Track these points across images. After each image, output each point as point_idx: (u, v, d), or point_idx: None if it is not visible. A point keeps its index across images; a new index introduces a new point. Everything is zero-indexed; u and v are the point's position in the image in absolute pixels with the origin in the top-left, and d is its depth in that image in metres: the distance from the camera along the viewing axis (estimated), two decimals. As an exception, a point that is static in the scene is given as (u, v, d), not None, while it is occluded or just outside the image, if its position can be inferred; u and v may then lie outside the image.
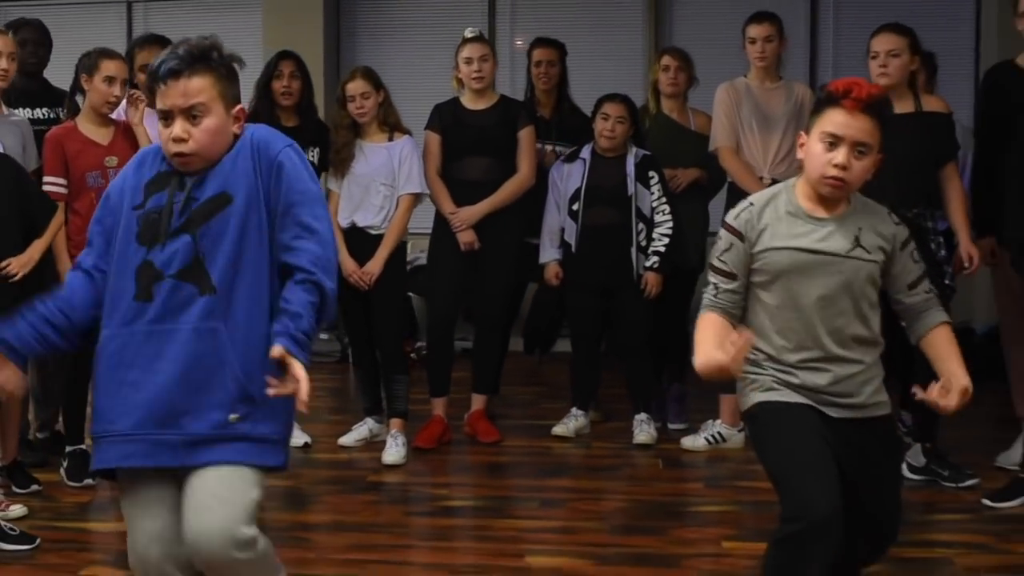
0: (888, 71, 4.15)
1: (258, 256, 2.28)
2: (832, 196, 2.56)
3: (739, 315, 2.63)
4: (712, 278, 2.65)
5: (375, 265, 4.68)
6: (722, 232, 2.65)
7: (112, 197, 2.40)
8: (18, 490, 4.12)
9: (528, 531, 3.77)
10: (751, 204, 2.64)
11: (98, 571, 3.37)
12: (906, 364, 4.24)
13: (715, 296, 2.63)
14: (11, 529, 3.62)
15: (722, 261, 2.62)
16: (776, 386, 2.58)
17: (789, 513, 2.42)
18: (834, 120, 2.50)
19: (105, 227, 2.37)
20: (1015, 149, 3.98)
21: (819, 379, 2.56)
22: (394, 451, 4.68)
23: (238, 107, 2.37)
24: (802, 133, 2.63)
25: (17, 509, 3.86)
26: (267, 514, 4.01)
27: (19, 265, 3.96)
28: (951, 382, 2.49)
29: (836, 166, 2.49)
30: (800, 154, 2.61)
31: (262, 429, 2.27)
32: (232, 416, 2.24)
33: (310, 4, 7.47)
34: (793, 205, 2.60)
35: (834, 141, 2.50)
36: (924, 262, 2.69)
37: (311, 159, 4.81)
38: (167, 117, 2.30)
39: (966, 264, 4.22)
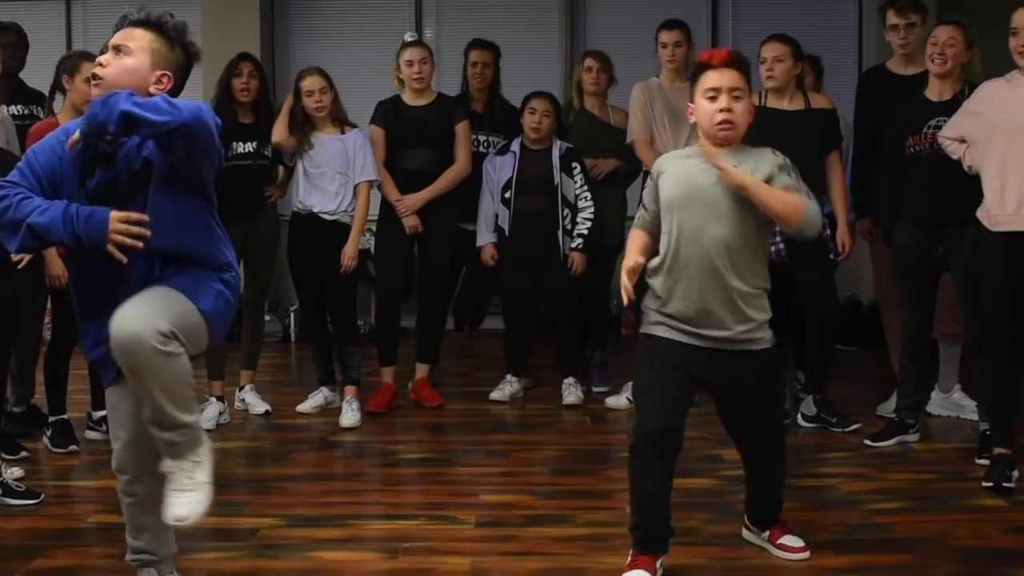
0: (774, 74, 4.78)
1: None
2: (726, 139, 3.09)
3: (656, 234, 3.17)
4: (639, 209, 3.25)
5: (351, 249, 5.19)
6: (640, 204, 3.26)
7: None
8: (8, 456, 4.52)
9: (478, 476, 4.33)
10: (662, 159, 3.25)
11: (105, 518, 3.80)
12: (800, 330, 4.93)
13: (638, 218, 3.23)
14: (17, 486, 4.04)
15: (641, 216, 3.23)
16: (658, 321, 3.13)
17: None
18: (710, 79, 3.08)
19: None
20: (886, 143, 4.64)
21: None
22: (350, 415, 5.19)
23: (163, 73, 2.71)
24: (690, 105, 3.16)
25: (16, 471, 4.28)
26: (245, 469, 4.53)
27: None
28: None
29: (722, 111, 3.06)
30: (692, 119, 3.15)
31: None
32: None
33: (246, 4, 7.89)
34: (691, 152, 3.19)
35: (714, 95, 3.07)
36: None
37: (266, 152, 5.30)
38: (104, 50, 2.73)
39: (839, 249, 4.85)
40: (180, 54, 2.77)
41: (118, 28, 2.74)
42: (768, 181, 3.05)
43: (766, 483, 3.33)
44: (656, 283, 3.12)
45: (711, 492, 4.01)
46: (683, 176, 3.11)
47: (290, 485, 4.23)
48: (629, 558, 3.15)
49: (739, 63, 3.10)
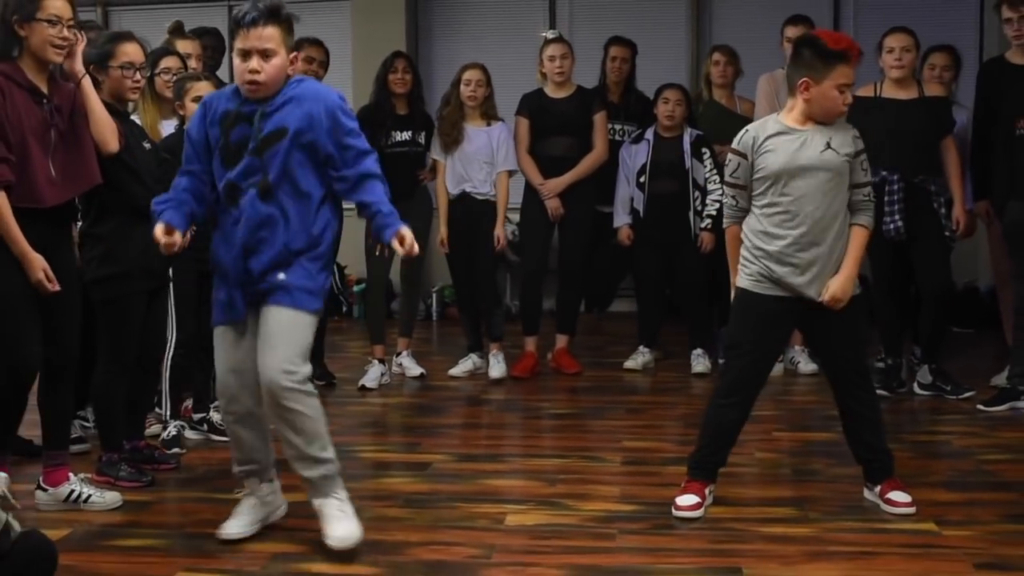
0: (903, 63, 5.16)
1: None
2: (842, 116, 3.48)
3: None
4: (730, 193, 3.60)
5: (500, 229, 5.81)
6: (730, 155, 3.59)
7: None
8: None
9: (619, 427, 4.82)
10: (746, 130, 3.58)
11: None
12: (916, 310, 5.31)
13: (734, 207, 3.59)
14: (220, 424, 4.65)
15: (734, 176, 3.57)
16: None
17: None
18: (845, 73, 3.41)
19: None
20: (1000, 128, 4.99)
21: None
22: (497, 367, 5.86)
23: (293, 55, 3.22)
24: (807, 80, 3.43)
25: (216, 416, 4.89)
26: (411, 419, 5.09)
27: None
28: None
29: (846, 104, 3.43)
30: (805, 95, 3.44)
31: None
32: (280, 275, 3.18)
33: (392, 5, 8.50)
34: (781, 124, 3.52)
35: (843, 89, 3.42)
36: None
37: (420, 140, 5.88)
38: (245, 56, 3.13)
39: (954, 227, 5.20)
40: (293, 29, 3.25)
41: (245, 25, 3.12)
42: (850, 157, 3.47)
43: (858, 416, 3.63)
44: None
45: (831, 443, 4.41)
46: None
47: (452, 431, 4.78)
48: (682, 484, 3.61)
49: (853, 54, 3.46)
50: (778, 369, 5.93)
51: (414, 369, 5.99)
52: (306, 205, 3.21)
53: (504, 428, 4.97)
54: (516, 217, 6.48)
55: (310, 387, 3.19)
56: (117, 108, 3.89)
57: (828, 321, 3.50)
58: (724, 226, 3.69)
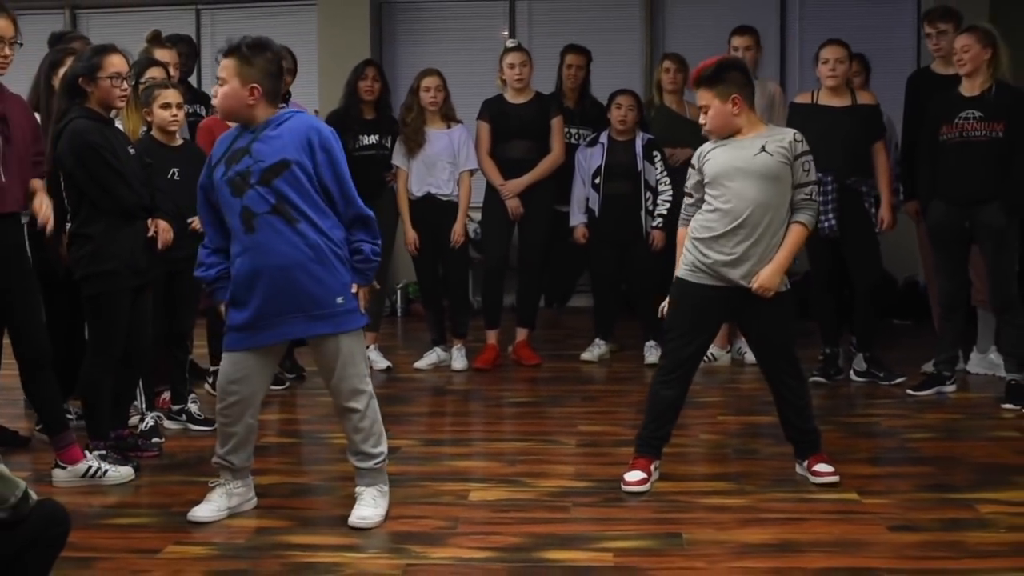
0: (836, 74, 5.54)
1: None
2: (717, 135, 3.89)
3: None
4: (685, 199, 4.01)
5: (460, 228, 6.14)
6: (689, 170, 4.01)
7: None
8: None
9: (575, 414, 5.16)
10: (700, 149, 3.99)
11: (273, 438, 4.70)
12: (850, 300, 5.71)
13: (688, 206, 4.00)
14: (198, 414, 4.95)
15: (691, 186, 3.97)
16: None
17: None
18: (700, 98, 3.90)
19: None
20: (925, 133, 5.37)
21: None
22: (460, 360, 6.23)
23: (252, 86, 3.46)
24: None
25: (193, 407, 5.17)
26: (384, 408, 5.36)
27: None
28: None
29: (703, 124, 3.92)
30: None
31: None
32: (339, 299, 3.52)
33: (358, 12, 8.79)
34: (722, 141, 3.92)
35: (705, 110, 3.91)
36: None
37: (386, 144, 6.20)
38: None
39: (881, 225, 5.59)
40: (262, 63, 3.49)
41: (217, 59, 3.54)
42: (788, 160, 3.83)
43: (785, 401, 4.02)
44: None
45: (772, 426, 4.75)
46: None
47: (419, 419, 5.10)
48: (630, 462, 3.96)
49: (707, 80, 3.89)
50: (725, 359, 6.31)
51: (381, 362, 6.30)
52: (328, 214, 3.53)
53: (468, 416, 5.30)
54: (478, 215, 6.81)
55: (371, 392, 3.62)
56: (103, 116, 4.18)
57: (759, 310, 3.87)
58: (679, 224, 4.05)
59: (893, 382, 5.62)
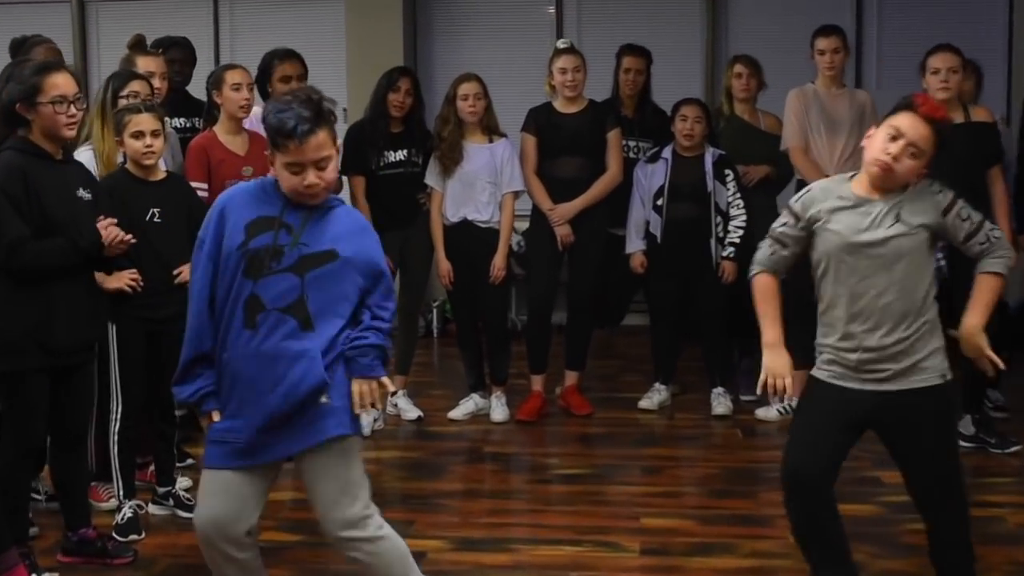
0: (949, 85, 4.65)
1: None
2: (877, 179, 2.98)
3: (783, 275, 3.12)
4: (770, 242, 3.12)
5: (500, 260, 5.31)
6: (785, 210, 3.13)
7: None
8: (177, 463, 4.65)
9: (636, 496, 4.34)
10: (810, 190, 3.12)
11: (273, 536, 3.90)
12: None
13: (769, 255, 3.11)
14: (187, 499, 4.18)
15: (781, 233, 3.09)
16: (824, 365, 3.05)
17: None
18: (903, 120, 2.96)
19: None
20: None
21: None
22: (500, 411, 5.44)
23: (336, 146, 2.85)
24: (873, 126, 3.06)
25: (183, 481, 4.41)
26: (403, 483, 4.60)
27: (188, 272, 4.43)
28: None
29: (888, 154, 2.94)
30: (864, 143, 3.05)
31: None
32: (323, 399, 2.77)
33: (390, 2, 7.92)
34: (847, 193, 3.04)
35: (896, 135, 2.95)
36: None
37: (416, 159, 5.38)
38: (298, 168, 2.74)
39: None
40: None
41: (298, 137, 2.71)
42: (935, 226, 2.98)
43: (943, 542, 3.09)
44: None
45: (873, 520, 3.93)
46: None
47: (450, 503, 4.29)
48: None
49: (939, 127, 2.96)
50: (772, 414, 5.44)
51: (411, 412, 5.49)
52: (342, 314, 2.82)
53: (509, 497, 4.48)
54: (522, 226, 5.96)
55: (383, 527, 2.86)
56: (42, 149, 3.41)
57: (908, 418, 2.99)
58: (752, 273, 3.17)
59: (1007, 451, 4.74)
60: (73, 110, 3.40)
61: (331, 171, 2.80)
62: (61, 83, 3.38)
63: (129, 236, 3.56)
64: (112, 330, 3.93)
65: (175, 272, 3.95)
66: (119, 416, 4.01)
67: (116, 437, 4.02)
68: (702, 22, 7.94)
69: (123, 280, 3.85)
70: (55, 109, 3.36)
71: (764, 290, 3.12)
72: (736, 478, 4.55)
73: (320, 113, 2.75)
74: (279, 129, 2.72)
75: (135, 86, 4.19)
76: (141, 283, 3.86)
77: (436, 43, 8.24)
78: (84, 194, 3.52)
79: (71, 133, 3.50)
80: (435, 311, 7.93)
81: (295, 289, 2.73)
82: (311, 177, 2.74)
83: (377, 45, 7.67)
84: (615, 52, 5.85)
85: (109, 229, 3.49)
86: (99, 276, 3.87)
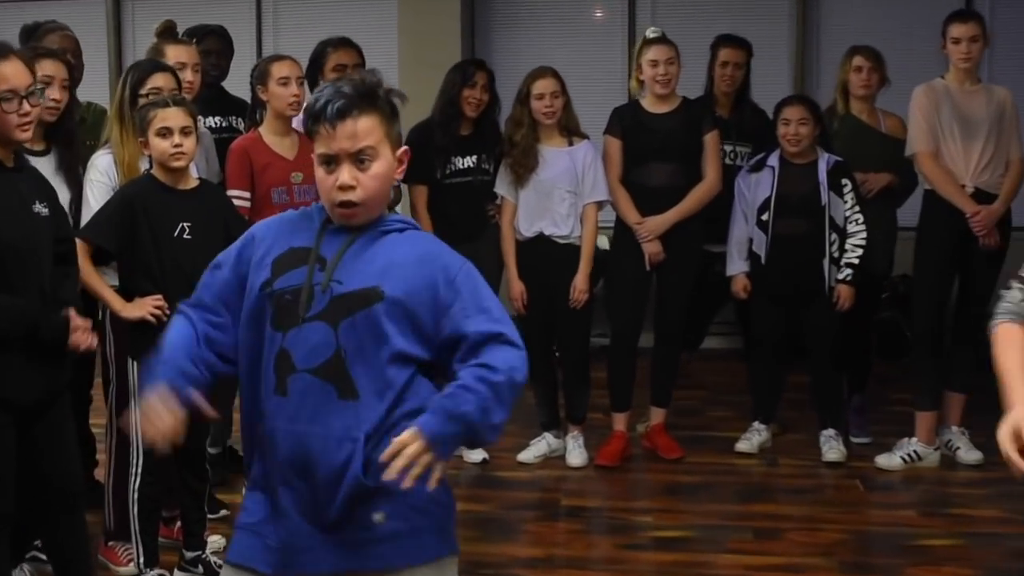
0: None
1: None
2: None
3: None
4: (1018, 286, 2.38)
5: (582, 282, 4.61)
6: None
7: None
8: (209, 515, 3.98)
9: (754, 569, 3.62)
10: None
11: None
12: None
13: (1021, 301, 2.36)
14: (218, 565, 3.49)
15: None
16: None
17: None
18: None
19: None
20: None
21: None
22: (578, 453, 4.74)
23: (402, 149, 2.12)
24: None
25: (216, 540, 3.75)
26: (469, 544, 3.88)
27: None
28: None
29: None
30: None
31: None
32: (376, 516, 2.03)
33: (445, -9, 7.27)
34: None
35: None
36: None
37: (487, 166, 4.70)
38: (330, 162, 2.05)
39: None
40: (397, 115, 2.13)
41: (328, 119, 2.02)
42: None
43: None
44: None
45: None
46: None
47: (524, 573, 3.58)
48: None
49: None
50: (933, 458, 4.70)
51: (475, 453, 4.78)
52: (397, 376, 2.04)
53: (595, 567, 3.74)
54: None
55: None
56: None
57: None
58: (998, 322, 2.39)
59: None
60: (27, 107, 2.75)
61: (375, 175, 2.05)
62: (10, 74, 2.73)
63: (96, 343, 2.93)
64: (132, 368, 3.27)
65: None
66: (139, 470, 3.36)
67: (136, 495, 3.38)
68: (791, 12, 7.20)
69: (146, 308, 3.21)
70: (3, 108, 2.72)
71: (1013, 340, 2.34)
72: (868, 546, 3.84)
73: (366, 95, 2.03)
74: (309, 109, 2.07)
75: (158, 80, 3.54)
76: (167, 311, 3.20)
77: (495, 38, 7.54)
78: (41, 209, 2.85)
79: (25, 135, 2.84)
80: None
81: (328, 344, 2.01)
82: (345, 175, 2.02)
83: (432, 40, 6.99)
84: (695, 47, 5.15)
85: (81, 335, 2.86)
86: (116, 303, 3.23)
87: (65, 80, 3.50)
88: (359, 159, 2.03)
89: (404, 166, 2.14)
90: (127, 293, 3.31)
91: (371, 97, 2.03)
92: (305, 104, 2.02)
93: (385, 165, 2.07)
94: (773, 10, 7.20)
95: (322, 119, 2.01)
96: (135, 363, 3.27)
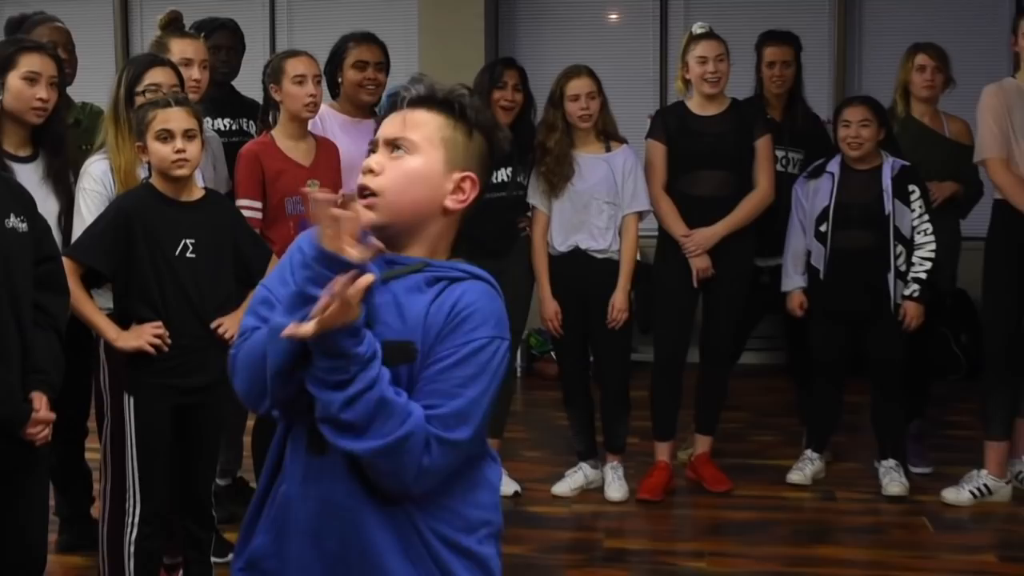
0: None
1: None
2: None
3: None
4: None
5: (621, 300, 4.22)
6: None
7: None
8: (216, 559, 3.60)
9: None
10: None
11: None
12: None
13: None
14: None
15: None
16: None
17: None
18: None
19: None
20: None
21: None
22: (618, 486, 4.38)
23: (465, 174, 1.75)
24: None
25: (222, 586, 3.37)
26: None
27: (233, 325, 3.11)
28: None
29: None
30: None
31: None
32: None
33: (469, -14, 6.89)
34: None
35: None
36: None
37: (522, 180, 4.32)
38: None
39: None
40: (481, 143, 1.79)
41: (386, 111, 1.78)
42: None
43: None
44: None
45: None
46: None
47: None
48: None
49: None
50: (1004, 492, 4.30)
51: (507, 485, 4.39)
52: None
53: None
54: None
55: None
56: None
57: None
58: None
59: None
60: None
61: (408, 169, 1.71)
62: None
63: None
64: (129, 404, 2.89)
65: (214, 325, 2.90)
66: (136, 520, 2.99)
67: (132, 548, 3.00)
68: (832, 9, 6.81)
69: (144, 337, 2.83)
70: None
71: None
72: (950, 598, 3.43)
73: (433, 96, 1.74)
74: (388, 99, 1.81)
75: (156, 75, 3.16)
76: (168, 340, 2.83)
77: (520, 35, 7.17)
78: (16, 224, 2.48)
79: None
80: (519, 350, 6.83)
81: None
82: (372, 159, 1.73)
83: (454, 38, 6.65)
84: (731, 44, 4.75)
85: (41, 429, 2.50)
86: (110, 332, 2.85)
87: (53, 77, 3.11)
88: (395, 146, 1.72)
89: (466, 197, 1.75)
90: (123, 319, 2.93)
91: (445, 102, 1.74)
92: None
93: (424, 166, 1.72)
94: (811, 8, 6.82)
95: (394, 106, 1.76)
96: (131, 399, 2.89)
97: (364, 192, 1.70)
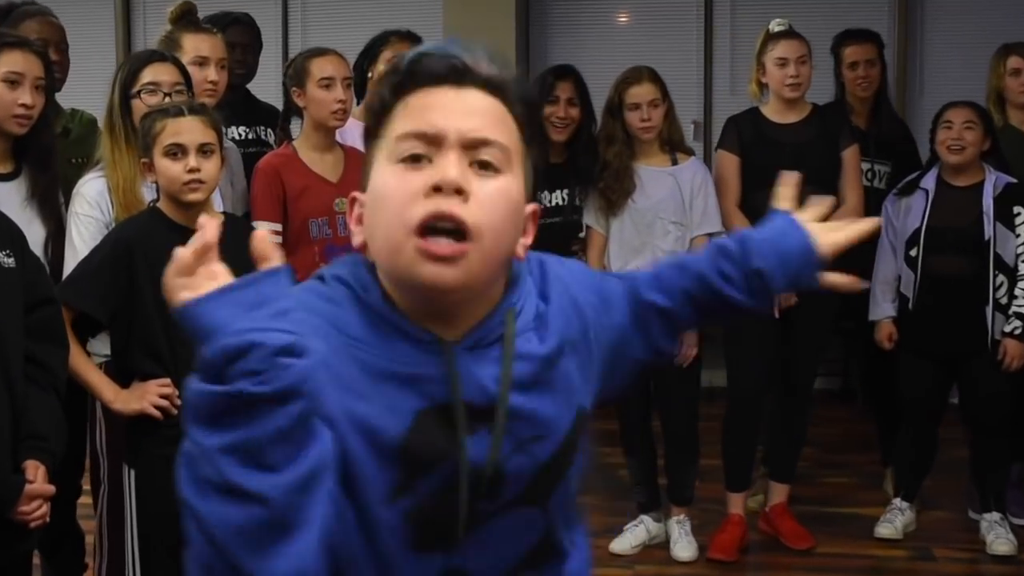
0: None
1: None
2: None
3: None
4: None
5: (690, 334, 3.68)
6: None
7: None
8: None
9: None
10: None
11: None
12: None
13: None
14: None
15: None
16: None
17: None
18: None
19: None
20: None
21: None
22: (686, 544, 3.89)
23: (533, 207, 1.26)
24: None
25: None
26: None
27: None
28: None
29: None
30: None
31: None
32: None
33: (498, -13, 6.42)
34: None
35: None
36: None
37: (578, 204, 3.84)
38: (417, 158, 1.16)
39: None
40: (535, 157, 1.29)
41: (420, 81, 1.19)
42: None
43: None
44: None
45: None
46: None
47: None
48: None
49: None
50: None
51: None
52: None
53: None
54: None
55: None
56: None
57: None
58: None
59: None
60: None
61: (504, 192, 1.17)
62: None
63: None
64: (129, 478, 2.39)
65: None
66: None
67: None
68: (891, 9, 6.31)
69: (148, 398, 2.33)
70: None
71: None
72: None
73: (500, 78, 1.21)
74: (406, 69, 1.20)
75: (155, 72, 2.66)
76: (177, 401, 2.33)
77: (552, 40, 6.68)
78: (2, 258, 2.02)
79: None
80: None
81: (535, 527, 1.28)
82: (451, 168, 1.14)
83: (482, 40, 6.13)
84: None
85: (38, 506, 2.05)
86: (107, 393, 2.35)
87: (39, 79, 2.60)
88: (477, 156, 1.16)
89: (530, 238, 1.24)
90: (123, 374, 2.43)
91: (508, 89, 1.20)
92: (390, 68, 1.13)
93: (519, 194, 1.20)
94: (868, 7, 6.32)
95: (415, 79, 1.18)
96: (132, 472, 2.38)
97: (445, 228, 1.12)
